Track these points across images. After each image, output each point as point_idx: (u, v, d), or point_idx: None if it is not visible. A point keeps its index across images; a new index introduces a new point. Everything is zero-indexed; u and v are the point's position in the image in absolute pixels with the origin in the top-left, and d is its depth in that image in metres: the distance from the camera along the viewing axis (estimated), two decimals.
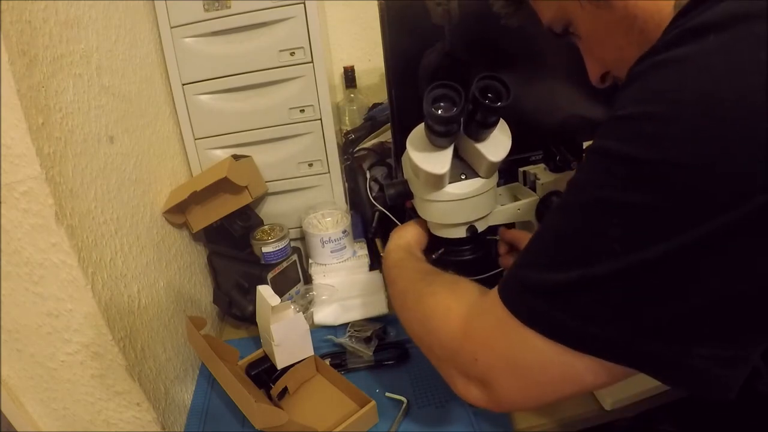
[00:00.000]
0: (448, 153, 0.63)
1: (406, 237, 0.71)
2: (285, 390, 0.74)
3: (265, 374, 0.75)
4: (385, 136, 1.04)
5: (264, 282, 0.84)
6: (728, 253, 0.30)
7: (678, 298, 0.32)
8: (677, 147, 0.30)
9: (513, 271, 0.41)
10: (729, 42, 0.30)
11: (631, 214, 0.33)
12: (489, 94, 0.58)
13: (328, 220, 0.98)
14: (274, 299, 0.70)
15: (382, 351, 0.80)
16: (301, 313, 0.75)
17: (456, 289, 0.50)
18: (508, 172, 0.83)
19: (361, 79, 1.18)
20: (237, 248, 0.92)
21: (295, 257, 0.92)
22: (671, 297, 0.32)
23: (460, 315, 0.46)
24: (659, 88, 0.32)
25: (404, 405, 0.71)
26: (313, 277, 0.96)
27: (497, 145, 0.62)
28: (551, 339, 0.37)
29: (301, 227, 0.99)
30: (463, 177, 0.66)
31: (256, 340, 0.84)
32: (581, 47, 0.50)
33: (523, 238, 0.71)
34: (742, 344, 0.33)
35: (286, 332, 0.73)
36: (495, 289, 0.42)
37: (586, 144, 0.83)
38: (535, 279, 0.38)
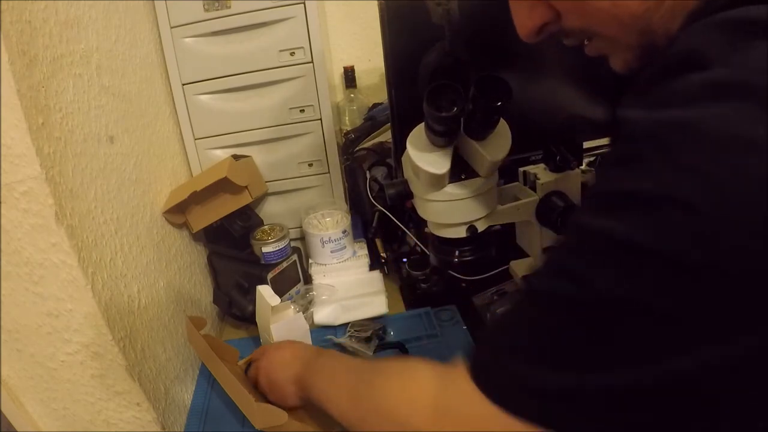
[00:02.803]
0: (448, 153, 0.63)
1: (286, 356, 0.66)
2: None
3: None
4: (385, 136, 1.04)
5: (264, 282, 0.84)
6: (752, 369, 0.27)
7: (704, 403, 0.29)
8: (723, 248, 0.25)
9: (493, 357, 0.37)
10: None
11: (652, 321, 0.28)
12: (489, 94, 0.58)
13: (328, 220, 0.98)
14: (274, 299, 0.70)
15: (382, 351, 0.80)
16: (301, 312, 0.75)
17: (409, 374, 0.45)
18: (508, 172, 0.83)
19: (361, 79, 1.18)
20: (237, 248, 0.92)
21: (295, 257, 0.92)
22: (698, 402, 0.29)
23: (426, 394, 0.42)
24: (690, 167, 0.26)
25: None
26: (313, 277, 0.96)
27: (497, 145, 0.62)
28: (545, 427, 0.33)
29: (301, 227, 0.99)
30: (463, 177, 0.66)
31: (256, 340, 0.84)
32: None
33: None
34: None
35: (286, 332, 0.73)
36: (462, 374, 0.38)
37: (586, 144, 0.84)
38: (524, 373, 0.34)
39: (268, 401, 0.69)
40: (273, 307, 0.70)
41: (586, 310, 0.31)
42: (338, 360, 0.60)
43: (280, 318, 0.73)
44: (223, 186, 0.85)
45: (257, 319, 0.77)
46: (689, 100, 0.27)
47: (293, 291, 0.93)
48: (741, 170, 0.25)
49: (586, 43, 0.42)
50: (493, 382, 0.36)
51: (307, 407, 0.68)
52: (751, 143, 0.25)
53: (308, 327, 0.75)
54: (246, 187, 0.88)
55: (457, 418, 0.39)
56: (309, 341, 0.76)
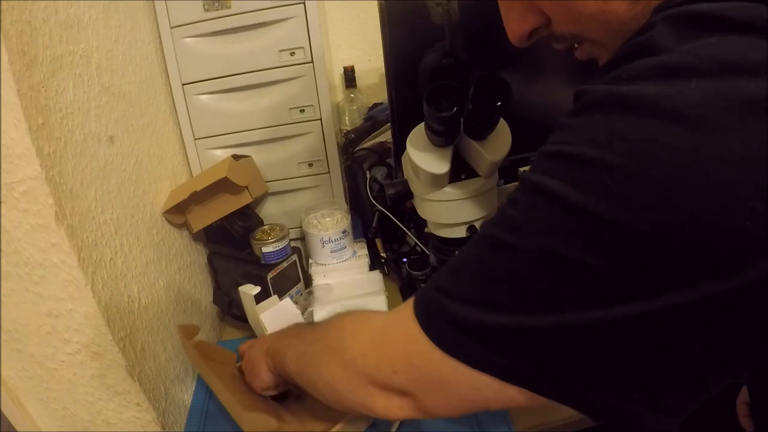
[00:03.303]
0: (448, 153, 0.63)
1: (267, 338, 0.68)
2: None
3: None
4: (385, 136, 1.04)
5: (264, 282, 0.84)
6: (674, 327, 0.28)
7: (612, 358, 0.31)
8: (638, 211, 0.27)
9: (433, 295, 0.38)
10: (713, 97, 0.26)
11: (575, 273, 0.30)
12: (489, 94, 0.58)
13: (328, 220, 0.98)
14: (255, 288, 0.71)
15: None
16: (288, 298, 0.75)
17: (361, 312, 0.49)
18: (508, 172, 0.83)
19: (361, 79, 1.18)
20: (237, 248, 0.92)
21: (295, 257, 0.92)
22: (605, 356, 0.31)
23: (372, 328, 0.44)
24: (624, 134, 0.28)
25: None
26: (313, 277, 0.96)
27: (497, 145, 0.63)
28: (478, 370, 0.35)
29: (301, 227, 0.99)
30: (463, 177, 0.66)
31: None
32: None
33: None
34: (678, 395, 0.31)
35: (277, 320, 0.73)
36: (409, 307, 0.40)
37: None
38: (460, 312, 0.35)
39: (264, 403, 0.69)
40: (260, 302, 0.71)
41: (516, 256, 0.33)
42: (308, 323, 0.62)
43: (267, 307, 0.73)
44: (223, 186, 0.85)
45: (249, 321, 0.77)
46: (636, 78, 0.29)
47: (293, 291, 0.93)
48: (668, 141, 0.26)
49: (576, 46, 0.43)
50: (428, 316, 0.38)
51: (295, 411, 0.68)
52: (683, 117, 0.26)
53: (300, 312, 0.75)
54: (246, 187, 0.88)
55: (395, 346, 0.40)
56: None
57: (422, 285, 0.89)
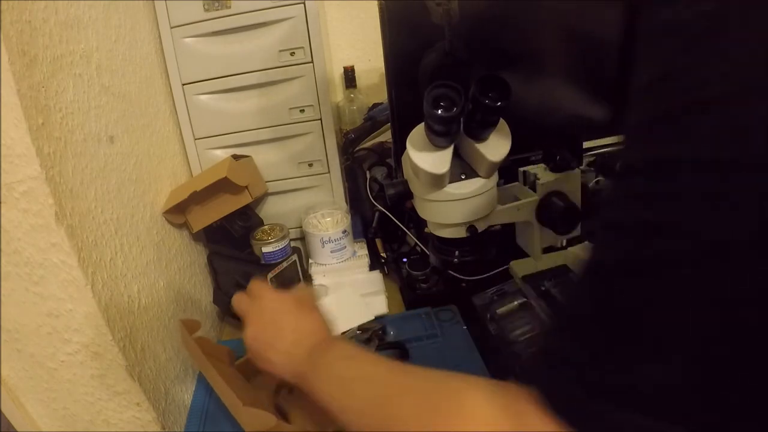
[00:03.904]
0: (448, 153, 0.63)
1: (290, 337, 0.53)
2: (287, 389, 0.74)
3: None
4: (385, 136, 1.04)
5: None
6: None
7: None
8: None
9: (562, 369, 0.27)
10: None
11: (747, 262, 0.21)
12: (489, 94, 0.58)
13: (328, 220, 0.98)
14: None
15: (382, 351, 0.80)
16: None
17: (456, 401, 0.32)
18: (508, 172, 0.83)
19: (361, 79, 1.18)
20: (237, 248, 0.92)
21: (295, 257, 0.92)
22: None
23: (486, 416, 0.30)
24: (732, 53, 0.20)
25: None
26: (313, 277, 0.96)
27: (497, 145, 0.63)
28: None
29: (301, 227, 0.99)
30: (463, 177, 0.66)
31: None
32: None
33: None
34: None
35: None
36: (525, 400, 0.28)
37: (586, 144, 0.83)
38: (603, 380, 0.25)
39: (263, 402, 0.69)
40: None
41: (668, 266, 0.23)
42: (353, 361, 0.46)
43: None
44: (223, 186, 0.85)
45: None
46: None
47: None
48: None
49: None
50: (564, 402, 0.26)
51: (295, 410, 0.68)
52: None
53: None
54: (246, 187, 0.88)
55: None
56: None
57: (422, 285, 0.89)
